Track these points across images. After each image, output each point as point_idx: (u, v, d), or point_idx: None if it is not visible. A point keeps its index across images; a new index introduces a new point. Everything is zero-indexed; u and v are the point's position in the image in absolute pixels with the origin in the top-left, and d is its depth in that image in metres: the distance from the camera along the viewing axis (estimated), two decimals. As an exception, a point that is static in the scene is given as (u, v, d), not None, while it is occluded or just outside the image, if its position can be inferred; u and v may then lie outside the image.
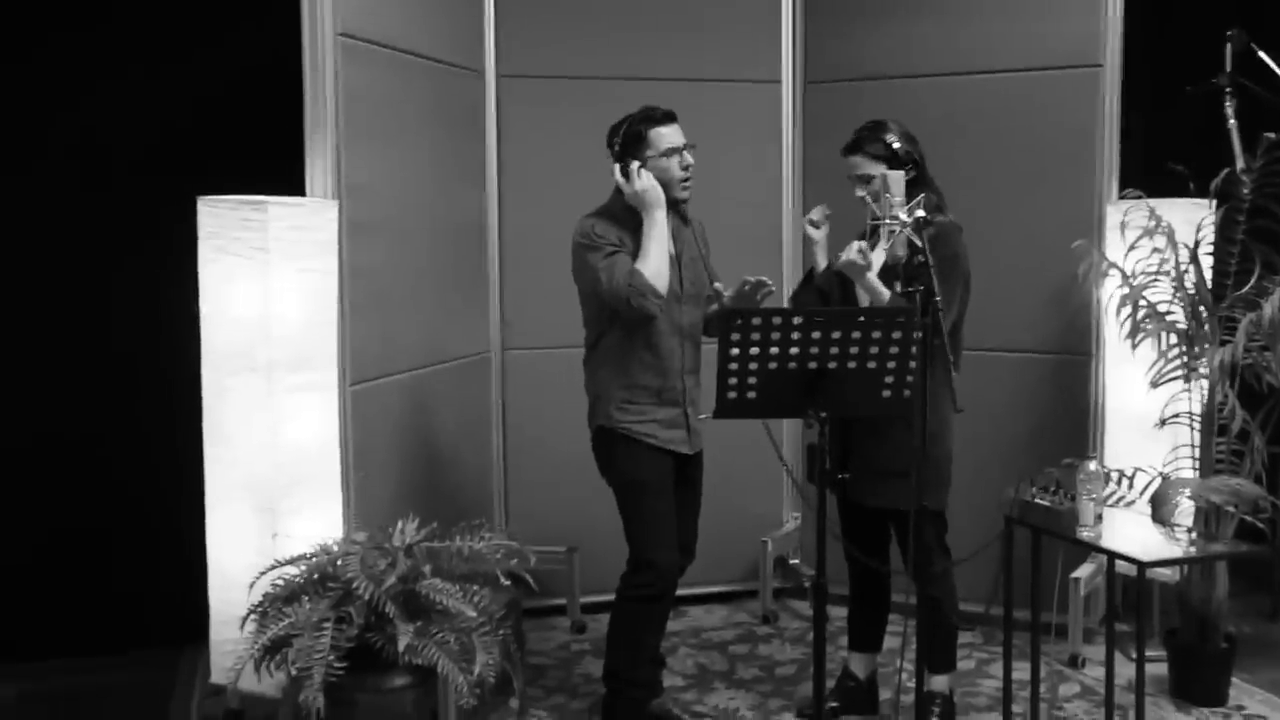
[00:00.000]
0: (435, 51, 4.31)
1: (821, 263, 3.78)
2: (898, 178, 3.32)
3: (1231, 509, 3.93)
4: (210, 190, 3.66)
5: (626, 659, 3.66)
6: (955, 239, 3.66)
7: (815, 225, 3.79)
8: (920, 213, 3.27)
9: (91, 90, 4.33)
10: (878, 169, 3.57)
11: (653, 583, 3.60)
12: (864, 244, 3.48)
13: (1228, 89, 4.17)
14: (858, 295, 3.68)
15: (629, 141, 3.58)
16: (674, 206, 3.62)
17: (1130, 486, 4.11)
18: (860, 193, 3.63)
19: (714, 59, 4.83)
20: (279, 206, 3.58)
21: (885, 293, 3.53)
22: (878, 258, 3.59)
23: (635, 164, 3.55)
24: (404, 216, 4.15)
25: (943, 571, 3.70)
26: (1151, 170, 4.22)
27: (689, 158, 3.60)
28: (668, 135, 3.58)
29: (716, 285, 3.68)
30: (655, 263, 3.52)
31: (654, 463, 3.63)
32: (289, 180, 3.74)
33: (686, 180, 3.61)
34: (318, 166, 3.73)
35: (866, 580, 3.89)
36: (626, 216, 3.59)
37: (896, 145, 3.64)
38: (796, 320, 3.11)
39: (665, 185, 3.57)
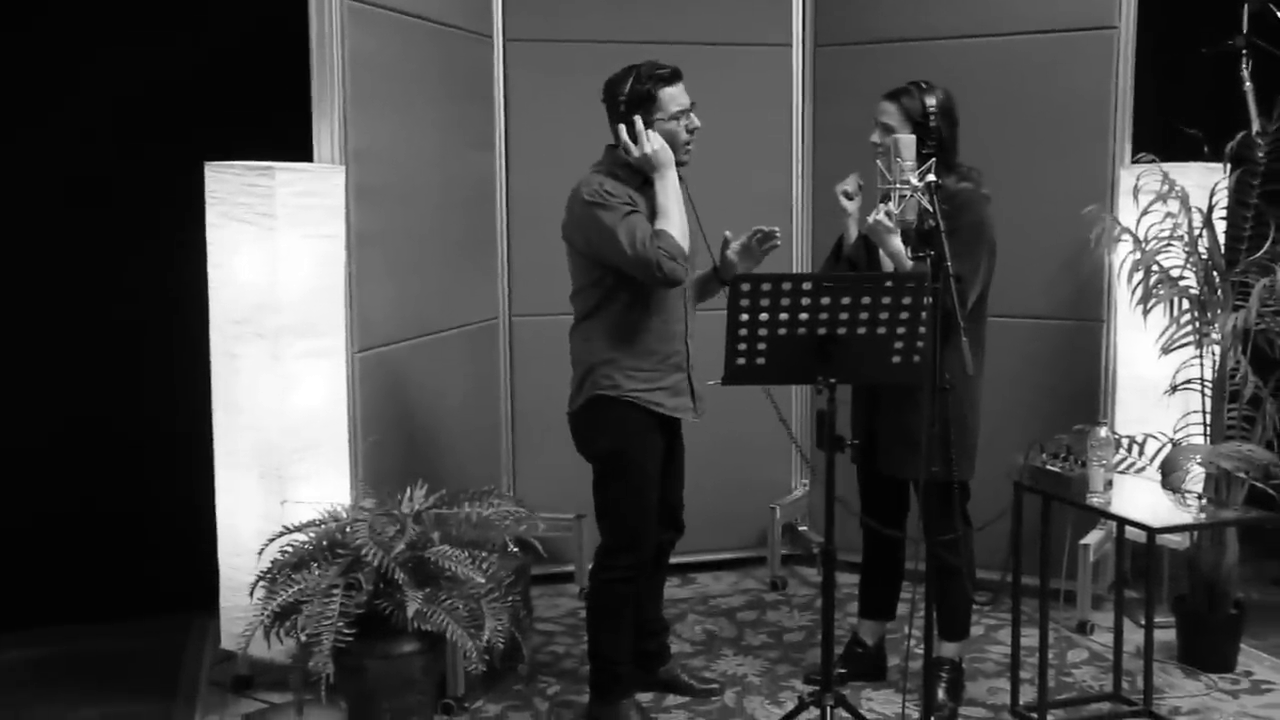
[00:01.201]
0: (442, 15, 4.28)
1: (853, 233, 3.73)
2: (909, 142, 3.28)
3: (1242, 475, 3.92)
4: (218, 156, 3.65)
5: (609, 640, 3.59)
6: (980, 207, 3.62)
7: (849, 196, 3.72)
8: (931, 177, 3.25)
9: (93, 57, 4.31)
10: (903, 126, 3.53)
11: (632, 564, 3.53)
12: (891, 207, 3.41)
13: (1244, 51, 4.12)
14: (880, 261, 3.65)
15: (636, 101, 3.40)
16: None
17: (1141, 453, 4.10)
18: (875, 139, 3.59)
19: (724, 22, 4.78)
20: (285, 172, 3.57)
21: (908, 260, 3.50)
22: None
23: (640, 123, 3.39)
24: (411, 182, 4.13)
25: (963, 540, 3.70)
26: (1165, 134, 4.18)
27: (695, 119, 3.47)
28: (676, 96, 3.43)
29: (726, 234, 3.60)
30: (679, 223, 3.37)
31: (648, 440, 3.52)
32: (297, 145, 3.72)
33: (690, 144, 3.48)
34: (324, 132, 3.72)
35: (881, 549, 3.88)
36: (628, 175, 3.45)
37: (932, 115, 3.57)
38: (806, 285, 3.08)
39: (672, 148, 3.42)
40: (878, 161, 3.45)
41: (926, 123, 3.55)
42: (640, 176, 3.45)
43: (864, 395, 3.74)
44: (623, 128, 3.42)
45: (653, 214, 3.42)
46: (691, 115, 3.47)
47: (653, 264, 3.30)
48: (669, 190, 3.39)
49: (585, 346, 3.54)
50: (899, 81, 3.69)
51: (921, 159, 3.35)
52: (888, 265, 3.60)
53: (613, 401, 3.49)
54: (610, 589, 3.57)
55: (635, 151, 3.39)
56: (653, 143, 3.38)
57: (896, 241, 3.49)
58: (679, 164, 3.47)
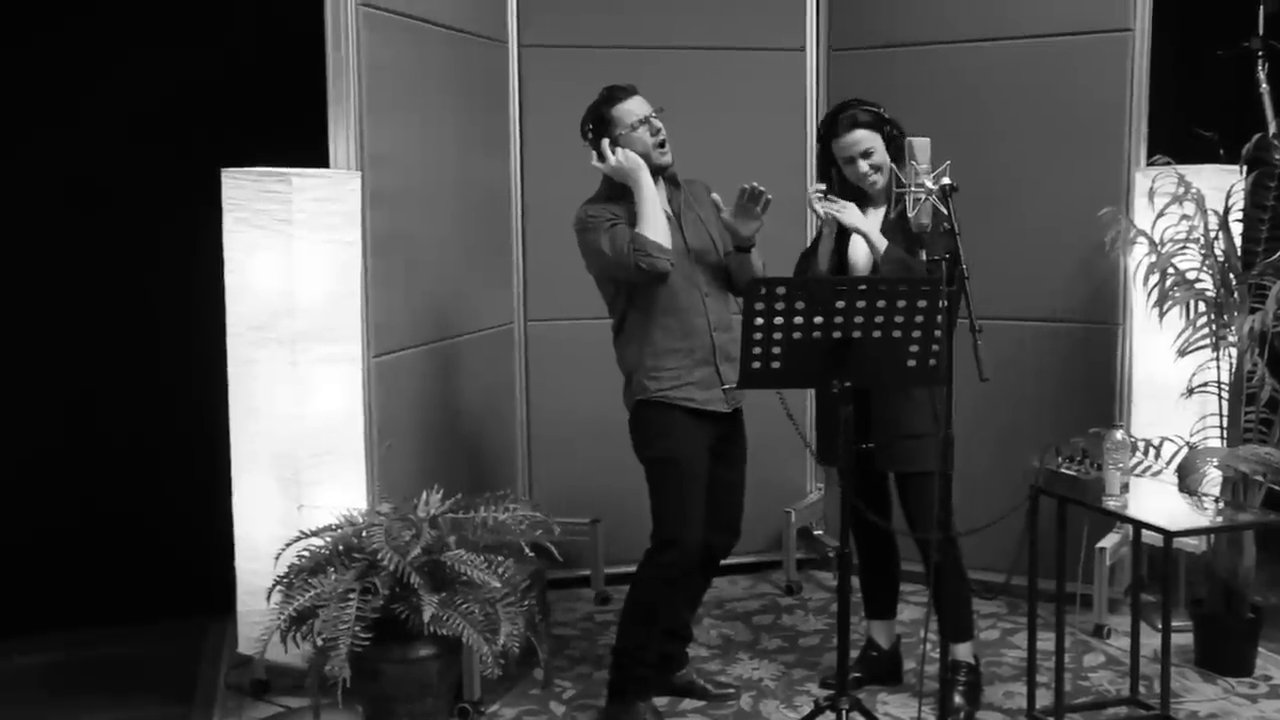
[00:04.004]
0: (457, 21, 4.29)
1: (828, 246, 3.73)
2: (923, 144, 3.28)
3: (1259, 478, 3.90)
4: (234, 162, 3.67)
5: (638, 638, 3.62)
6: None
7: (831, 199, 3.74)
8: (946, 180, 3.24)
9: (109, 63, 4.33)
10: (879, 144, 3.64)
11: (676, 562, 3.56)
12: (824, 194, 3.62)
13: (1259, 53, 4.11)
14: (850, 265, 3.70)
15: (596, 125, 3.62)
16: (660, 173, 3.63)
17: (1157, 456, 4.09)
18: (864, 167, 3.64)
19: (737, 27, 4.79)
20: (301, 178, 3.58)
21: (879, 242, 3.59)
22: (874, 219, 3.65)
23: (605, 142, 3.58)
24: (427, 187, 4.14)
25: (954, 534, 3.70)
26: (1181, 136, 4.17)
27: (657, 123, 3.62)
28: (630, 109, 3.60)
29: (714, 197, 3.68)
30: (653, 222, 3.52)
31: (690, 437, 3.59)
32: (314, 151, 3.74)
33: (662, 145, 3.62)
34: (341, 137, 3.73)
35: (873, 546, 3.88)
36: (618, 195, 3.61)
37: (882, 111, 3.68)
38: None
39: (644, 156, 3.58)
40: (890, 165, 3.48)
41: (886, 123, 3.67)
42: (630, 193, 3.58)
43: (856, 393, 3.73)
44: (594, 154, 3.64)
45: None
46: (652, 120, 3.61)
47: (631, 264, 3.49)
48: (643, 196, 3.55)
49: (622, 357, 3.69)
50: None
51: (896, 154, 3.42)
52: (863, 250, 3.63)
53: (649, 404, 3.61)
54: (647, 585, 3.61)
55: (605, 169, 3.60)
56: (617, 155, 3.58)
57: (850, 218, 3.59)
58: (663, 166, 3.64)
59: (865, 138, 3.67)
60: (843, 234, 3.73)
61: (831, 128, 3.73)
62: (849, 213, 3.62)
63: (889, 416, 3.66)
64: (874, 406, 3.67)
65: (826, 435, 3.80)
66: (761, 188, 3.55)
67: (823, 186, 3.71)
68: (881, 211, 3.70)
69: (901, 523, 3.78)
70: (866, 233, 3.61)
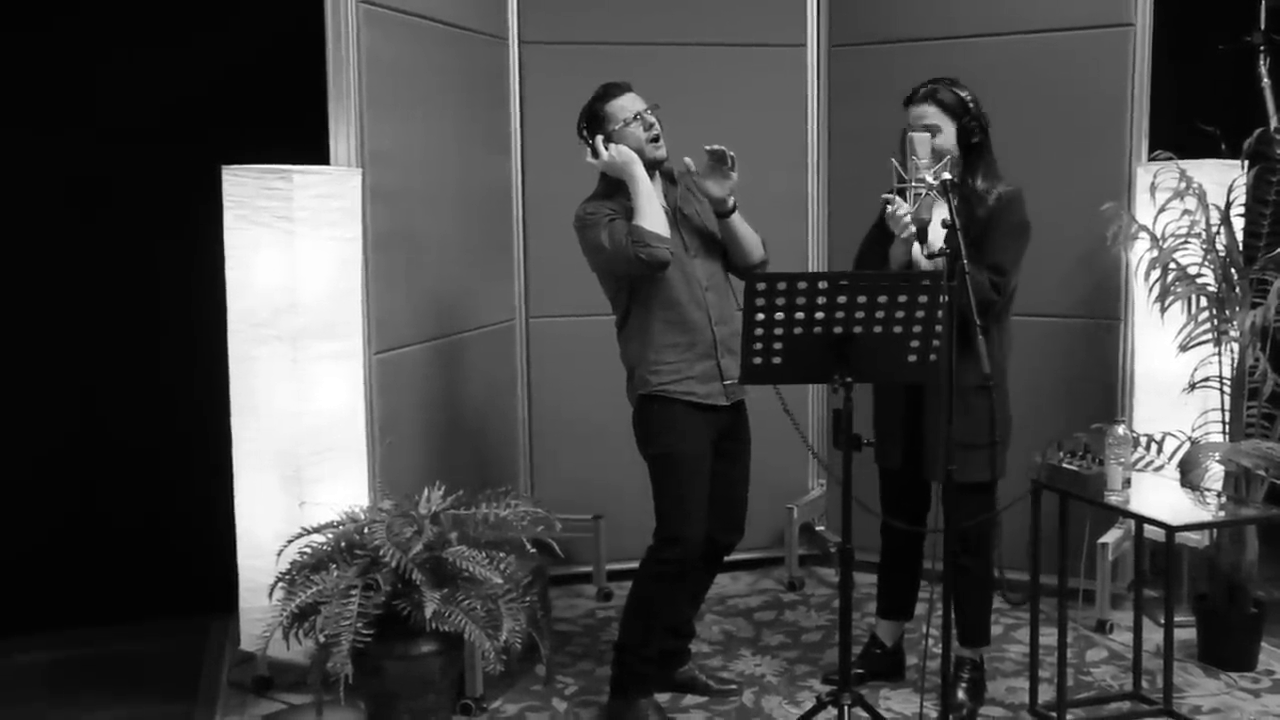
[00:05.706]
0: (457, 18, 4.29)
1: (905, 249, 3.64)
2: (924, 139, 3.28)
3: (1262, 473, 3.90)
4: (234, 159, 3.67)
5: (640, 634, 3.63)
6: (1025, 208, 3.61)
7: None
8: (946, 175, 3.24)
9: (110, 59, 4.33)
10: (948, 124, 3.52)
11: (678, 559, 3.56)
12: (907, 204, 3.44)
13: (1261, 47, 4.11)
14: (915, 261, 3.61)
15: (590, 122, 3.64)
16: (655, 168, 3.64)
17: (1159, 451, 4.09)
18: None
19: (738, 23, 4.78)
20: (302, 175, 3.58)
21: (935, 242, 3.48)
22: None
23: (599, 138, 3.60)
24: (428, 184, 4.14)
25: (993, 540, 3.69)
26: (1183, 131, 4.17)
27: (650, 118, 3.62)
28: (623, 105, 3.61)
29: (686, 160, 3.66)
30: (649, 215, 3.53)
31: (692, 432, 3.59)
32: (314, 148, 3.74)
33: (656, 140, 3.62)
34: (341, 134, 3.73)
35: (901, 548, 3.87)
36: (615, 191, 3.62)
37: (971, 104, 3.57)
38: (822, 284, 3.09)
39: (637, 151, 3.59)
40: (893, 160, 3.46)
41: (967, 114, 3.55)
42: (625, 188, 3.59)
43: (903, 399, 3.69)
44: (588, 150, 3.66)
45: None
46: (644, 116, 3.62)
47: (630, 256, 3.50)
48: (638, 189, 3.56)
49: (625, 352, 3.70)
50: (914, 81, 3.68)
51: (972, 149, 3.40)
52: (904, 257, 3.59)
53: (651, 399, 3.61)
54: (649, 581, 3.61)
55: (599, 165, 3.62)
56: (610, 151, 3.60)
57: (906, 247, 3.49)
58: (658, 161, 3.64)
59: (933, 114, 3.53)
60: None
61: (912, 94, 3.62)
62: (902, 211, 3.46)
63: (941, 422, 3.59)
64: (927, 413, 3.64)
65: (881, 436, 3.72)
66: (720, 148, 3.57)
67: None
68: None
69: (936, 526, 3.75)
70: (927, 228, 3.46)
